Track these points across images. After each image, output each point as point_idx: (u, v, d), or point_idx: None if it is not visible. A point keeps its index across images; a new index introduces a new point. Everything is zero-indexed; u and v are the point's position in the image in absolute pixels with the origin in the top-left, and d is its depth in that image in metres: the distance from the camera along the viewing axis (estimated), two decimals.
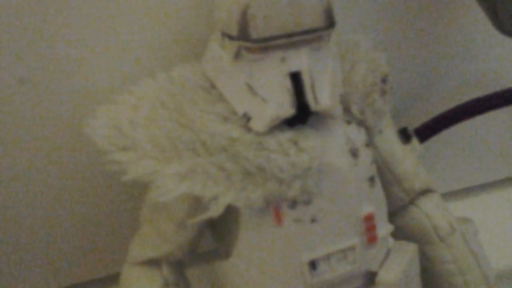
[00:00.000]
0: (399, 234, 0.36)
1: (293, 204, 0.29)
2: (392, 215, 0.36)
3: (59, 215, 0.37)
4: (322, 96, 0.28)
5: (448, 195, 0.47)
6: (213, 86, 0.29)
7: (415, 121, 0.40)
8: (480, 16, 0.37)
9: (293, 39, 0.27)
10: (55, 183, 0.36)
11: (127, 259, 0.32)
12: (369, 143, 0.31)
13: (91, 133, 0.28)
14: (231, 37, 0.27)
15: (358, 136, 0.30)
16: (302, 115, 0.28)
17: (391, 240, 0.34)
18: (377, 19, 0.36)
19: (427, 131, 0.39)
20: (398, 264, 0.32)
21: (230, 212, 0.29)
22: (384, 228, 0.32)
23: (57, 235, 0.37)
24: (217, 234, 0.33)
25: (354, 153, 0.30)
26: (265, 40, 0.27)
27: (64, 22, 0.31)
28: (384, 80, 0.31)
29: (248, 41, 0.27)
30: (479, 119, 0.42)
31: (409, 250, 0.33)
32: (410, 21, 0.36)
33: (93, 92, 0.33)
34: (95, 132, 0.28)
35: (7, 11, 0.30)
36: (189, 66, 0.30)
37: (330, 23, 0.28)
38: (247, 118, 0.28)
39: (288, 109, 0.27)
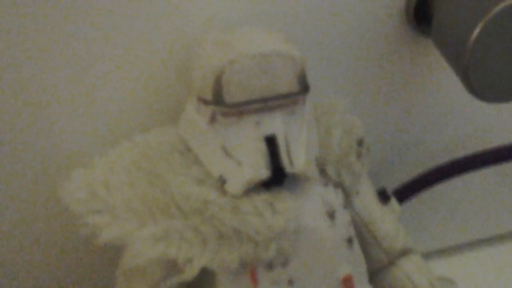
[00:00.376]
0: None
1: (270, 266, 0.28)
2: (373, 276, 0.35)
3: (33, 278, 0.36)
4: (297, 159, 0.28)
5: (430, 255, 0.47)
6: (189, 149, 0.30)
7: (393, 183, 0.40)
8: (455, 81, 0.38)
9: (268, 104, 0.27)
10: (28, 246, 0.35)
11: None
12: (347, 205, 0.32)
13: (65, 196, 0.28)
14: (206, 102, 0.28)
15: (335, 197, 0.31)
16: (277, 178, 0.28)
17: None
18: (353, 83, 0.37)
19: (406, 192, 0.39)
20: None
21: (206, 275, 0.29)
22: None
23: None
24: None
25: (331, 215, 0.30)
26: (239, 105, 0.27)
27: (40, 82, 0.31)
28: (360, 143, 0.32)
29: (223, 106, 0.27)
30: (458, 180, 0.42)
31: None
32: (387, 85, 0.37)
33: (69, 155, 0.33)
34: (69, 195, 0.29)
35: None
36: (165, 129, 0.31)
37: (303, 88, 0.28)
38: (222, 180, 0.28)
39: (263, 172, 0.27)
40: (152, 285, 0.30)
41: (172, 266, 0.28)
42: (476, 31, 0.29)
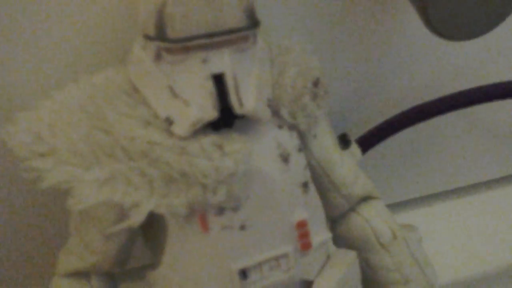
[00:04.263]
0: (341, 242, 0.35)
1: (220, 210, 0.28)
2: (333, 222, 0.35)
3: None
4: (247, 99, 0.27)
5: (393, 206, 0.47)
6: (136, 90, 0.28)
7: (357, 131, 0.39)
8: (420, 21, 0.36)
9: (214, 39, 0.26)
10: None
11: (56, 271, 0.31)
12: (302, 148, 0.31)
13: (8, 139, 0.27)
14: (150, 38, 0.27)
15: (289, 140, 0.30)
16: (227, 119, 0.27)
17: (332, 248, 0.34)
18: (312, 22, 0.35)
19: (369, 140, 0.38)
20: (336, 273, 0.31)
21: (157, 220, 0.29)
22: (320, 235, 0.31)
23: None
24: (147, 243, 0.32)
25: (285, 158, 0.29)
26: (183, 40, 0.26)
27: None
28: (315, 84, 0.30)
29: (166, 41, 0.26)
30: (424, 127, 0.41)
31: (348, 258, 0.32)
32: (348, 24, 0.36)
33: (13, 97, 0.32)
34: (12, 138, 0.27)
35: None
36: (113, 70, 0.29)
37: (252, 23, 0.27)
38: (169, 122, 0.27)
39: (210, 112, 0.26)
40: (102, 231, 0.29)
41: (122, 212, 0.28)
42: None
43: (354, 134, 0.39)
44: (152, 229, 0.30)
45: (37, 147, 0.27)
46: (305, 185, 0.30)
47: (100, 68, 0.30)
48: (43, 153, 0.27)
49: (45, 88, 0.32)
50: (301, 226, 0.29)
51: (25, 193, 0.35)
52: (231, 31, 0.26)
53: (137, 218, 0.27)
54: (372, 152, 0.40)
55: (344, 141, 0.34)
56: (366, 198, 0.34)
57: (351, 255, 0.32)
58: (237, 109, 0.26)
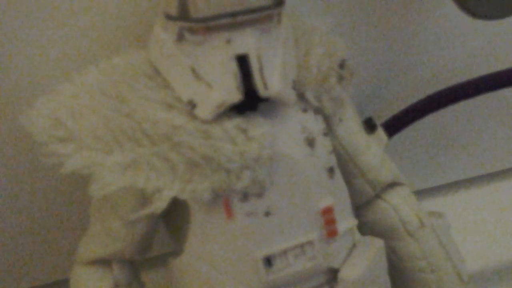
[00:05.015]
0: (367, 229, 0.34)
1: (245, 196, 0.27)
2: (359, 209, 0.34)
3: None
4: (271, 81, 0.26)
5: (421, 193, 0.46)
6: (157, 72, 0.28)
7: (382, 115, 0.38)
8: (448, 2, 0.35)
9: (238, 18, 0.25)
10: None
11: (76, 259, 0.31)
12: (328, 132, 0.30)
13: (28, 124, 0.27)
14: (171, 18, 0.26)
15: (315, 124, 0.29)
16: (251, 102, 0.26)
17: (357, 235, 0.33)
18: (338, 5, 0.34)
19: (396, 124, 0.37)
20: (362, 261, 0.30)
21: (180, 207, 0.28)
22: (346, 222, 0.30)
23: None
24: (170, 231, 0.31)
25: (311, 143, 0.28)
26: (206, 19, 0.25)
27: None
28: (341, 65, 0.29)
29: (189, 21, 0.25)
30: (451, 111, 0.40)
31: (375, 246, 0.31)
32: (374, 7, 0.35)
33: (35, 82, 0.31)
34: (32, 123, 0.27)
35: None
36: (134, 52, 0.29)
37: (276, 1, 0.26)
38: (192, 105, 0.26)
39: (234, 95, 0.25)
40: (124, 218, 0.28)
41: (144, 198, 0.27)
42: None
43: (379, 118, 0.38)
44: (175, 216, 0.29)
45: (57, 131, 0.27)
46: (331, 170, 0.29)
47: (121, 50, 0.29)
48: (63, 138, 0.27)
49: (66, 70, 0.31)
50: (327, 212, 0.28)
51: (45, 181, 0.35)
52: (255, 10, 0.25)
53: (159, 204, 0.26)
54: (398, 137, 0.39)
55: (369, 125, 0.33)
56: (392, 185, 0.33)
57: (378, 243, 0.31)
58: (262, 92, 0.26)
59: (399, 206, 0.33)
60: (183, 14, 0.25)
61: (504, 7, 0.28)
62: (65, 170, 0.26)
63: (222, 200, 0.27)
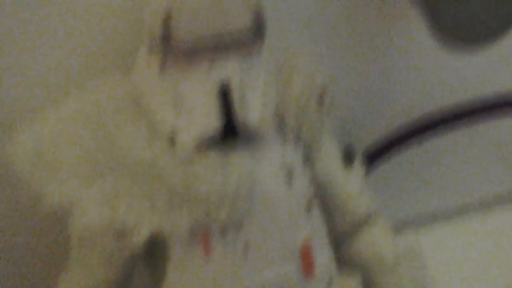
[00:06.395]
0: (344, 263, 0.34)
1: (224, 230, 0.27)
2: (337, 243, 0.34)
3: None
4: (252, 112, 0.27)
5: (401, 224, 0.46)
6: (138, 104, 0.28)
7: (361, 138, 0.39)
8: (424, 34, 0.36)
9: (220, 41, 0.26)
10: None
11: None
12: (307, 163, 0.30)
13: (12, 155, 0.27)
14: (155, 47, 0.26)
15: (294, 154, 0.29)
16: (231, 132, 0.26)
17: (334, 270, 0.33)
18: (320, 35, 0.36)
19: (377, 152, 0.38)
20: None
21: (158, 247, 0.28)
22: (323, 256, 0.30)
23: None
24: (148, 272, 0.31)
25: (289, 175, 0.28)
26: (189, 41, 0.26)
27: None
28: (321, 95, 0.30)
29: (172, 47, 0.26)
30: (430, 145, 0.41)
31: (351, 284, 0.31)
32: (355, 37, 0.36)
33: (19, 105, 0.32)
34: (16, 155, 0.27)
35: None
36: (115, 84, 0.29)
37: (258, 25, 0.27)
38: (173, 134, 0.26)
39: (215, 124, 0.26)
40: (103, 256, 0.28)
41: (122, 236, 0.27)
42: None
43: (359, 143, 0.39)
44: (153, 257, 0.29)
45: (39, 162, 0.27)
46: (309, 203, 0.29)
47: (105, 76, 0.29)
48: (44, 170, 0.27)
49: (50, 97, 0.31)
50: (305, 246, 0.29)
51: (25, 219, 0.35)
52: (237, 32, 0.26)
53: (139, 238, 0.26)
54: (379, 169, 0.40)
55: (348, 155, 0.33)
56: (369, 218, 0.34)
57: (354, 281, 0.32)
58: (242, 122, 0.26)
59: (376, 241, 0.33)
60: (166, 42, 0.26)
61: (475, 40, 0.30)
62: (46, 202, 0.26)
63: (200, 237, 0.27)
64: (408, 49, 0.38)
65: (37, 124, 0.28)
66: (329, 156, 0.32)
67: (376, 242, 0.33)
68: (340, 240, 0.34)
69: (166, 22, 0.25)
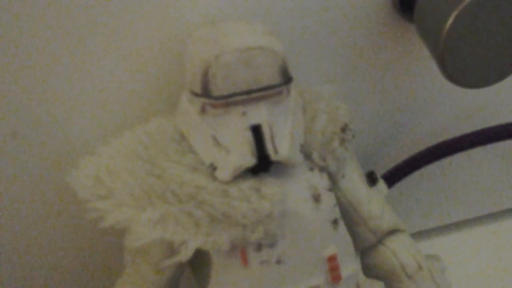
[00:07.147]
0: (369, 272, 0.38)
1: (259, 247, 0.31)
2: (362, 254, 0.38)
3: (47, 263, 0.39)
4: (281, 147, 0.30)
5: (420, 235, 0.49)
6: (183, 138, 0.32)
7: (383, 166, 0.42)
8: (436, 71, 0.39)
9: (252, 95, 0.29)
10: (43, 232, 0.38)
11: None
12: (332, 188, 0.34)
13: (73, 183, 0.31)
14: (196, 95, 0.30)
15: (320, 181, 0.33)
16: (263, 165, 0.30)
17: (361, 277, 0.36)
18: (340, 70, 0.38)
19: (395, 175, 0.41)
20: None
21: (203, 255, 0.32)
22: (349, 268, 0.33)
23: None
24: (195, 275, 0.35)
25: (317, 198, 0.32)
26: (225, 97, 0.29)
27: (50, 81, 0.34)
28: (343, 129, 0.34)
29: (210, 98, 0.30)
30: (445, 163, 0.44)
31: (376, 286, 0.34)
32: (373, 70, 0.39)
33: (77, 144, 0.36)
34: (76, 182, 0.31)
35: None
36: (163, 120, 0.33)
37: (285, 79, 0.30)
38: (213, 167, 0.30)
39: (249, 159, 0.30)
40: (154, 265, 0.32)
41: (171, 248, 0.31)
42: (450, 21, 0.30)
43: (380, 170, 0.42)
44: (199, 263, 0.33)
45: (98, 190, 0.31)
46: (335, 222, 0.33)
47: (152, 116, 0.33)
48: (103, 195, 0.31)
49: (103, 136, 0.35)
50: (332, 260, 0.32)
51: (87, 232, 0.39)
52: (267, 88, 0.30)
53: (185, 254, 0.30)
54: (400, 184, 0.43)
55: (371, 178, 0.36)
56: (392, 231, 0.37)
57: (379, 285, 0.34)
58: (273, 156, 0.30)
59: (398, 251, 0.36)
60: (205, 92, 0.30)
61: (483, 79, 0.32)
62: (105, 224, 0.30)
63: (239, 250, 0.31)
64: (421, 85, 0.41)
65: (95, 155, 0.32)
66: (353, 180, 0.35)
67: (399, 251, 0.36)
68: (366, 252, 0.37)
69: (205, 76, 0.29)
